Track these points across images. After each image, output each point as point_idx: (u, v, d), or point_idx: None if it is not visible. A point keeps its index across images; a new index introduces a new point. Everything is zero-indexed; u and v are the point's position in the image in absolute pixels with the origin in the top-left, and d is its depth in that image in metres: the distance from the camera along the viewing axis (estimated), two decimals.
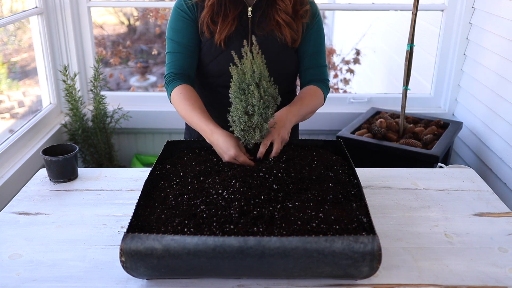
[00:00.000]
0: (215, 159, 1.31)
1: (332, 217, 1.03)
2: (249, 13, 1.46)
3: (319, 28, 1.54)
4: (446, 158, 2.49)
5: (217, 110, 1.59)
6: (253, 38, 1.26)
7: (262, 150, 1.28)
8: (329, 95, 2.14)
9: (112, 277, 1.03)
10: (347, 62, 4.30)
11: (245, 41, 1.21)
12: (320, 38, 1.55)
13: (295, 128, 1.76)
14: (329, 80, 1.59)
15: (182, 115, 1.42)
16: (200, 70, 1.54)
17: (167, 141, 1.39)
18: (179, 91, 1.43)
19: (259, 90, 1.19)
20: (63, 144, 1.45)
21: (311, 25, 1.52)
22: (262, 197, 1.10)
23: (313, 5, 1.54)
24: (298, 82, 1.67)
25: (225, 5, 1.44)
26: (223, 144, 1.29)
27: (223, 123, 1.59)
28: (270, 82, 1.22)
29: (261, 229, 1.00)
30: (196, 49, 1.50)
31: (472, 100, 2.55)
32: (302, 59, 1.54)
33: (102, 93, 2.65)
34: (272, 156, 1.27)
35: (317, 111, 1.56)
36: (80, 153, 2.58)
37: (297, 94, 1.72)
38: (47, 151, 1.42)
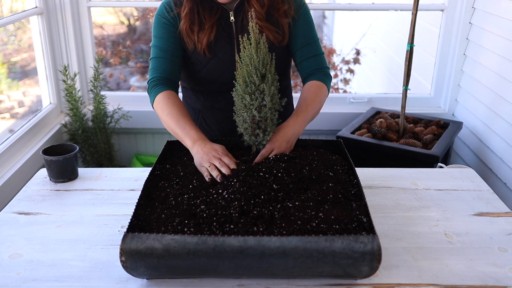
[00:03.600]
0: None
1: (332, 217, 1.03)
2: (232, 18, 1.45)
3: (306, 19, 1.50)
4: (446, 158, 2.49)
5: (213, 115, 1.59)
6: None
7: (258, 160, 1.27)
8: (330, 95, 2.13)
9: (112, 276, 1.03)
10: (347, 62, 4.30)
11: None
12: (308, 29, 1.51)
13: None
14: (328, 67, 1.54)
15: (167, 120, 1.37)
16: (192, 77, 1.53)
17: (167, 141, 1.39)
18: (166, 97, 1.39)
19: (267, 80, 1.22)
20: (63, 144, 1.45)
21: (297, 19, 1.49)
22: (262, 197, 1.10)
23: (296, 0, 1.50)
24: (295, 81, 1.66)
25: (198, 13, 1.43)
26: (211, 146, 1.28)
27: (217, 126, 1.59)
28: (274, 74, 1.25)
29: (261, 229, 1.00)
30: (180, 55, 1.48)
31: (472, 100, 2.55)
32: (294, 54, 1.52)
33: (102, 93, 2.65)
34: (257, 159, 1.27)
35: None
36: (80, 153, 2.58)
37: (291, 88, 1.70)
38: (47, 151, 1.42)
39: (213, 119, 1.60)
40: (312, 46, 1.51)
